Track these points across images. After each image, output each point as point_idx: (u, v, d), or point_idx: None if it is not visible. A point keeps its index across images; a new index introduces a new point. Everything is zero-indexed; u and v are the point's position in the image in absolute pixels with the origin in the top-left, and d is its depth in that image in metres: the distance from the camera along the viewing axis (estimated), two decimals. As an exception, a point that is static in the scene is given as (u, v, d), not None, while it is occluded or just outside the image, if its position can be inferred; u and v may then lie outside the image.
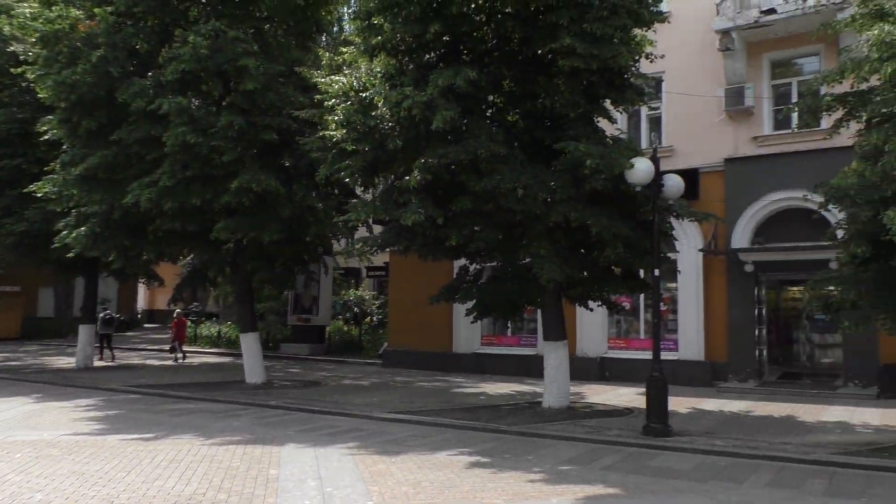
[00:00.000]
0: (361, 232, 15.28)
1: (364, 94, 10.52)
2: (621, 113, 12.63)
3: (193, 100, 13.09)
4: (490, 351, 17.94)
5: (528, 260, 10.96)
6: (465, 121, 10.38)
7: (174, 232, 13.85)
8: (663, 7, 12.22)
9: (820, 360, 17.40)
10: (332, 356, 21.99)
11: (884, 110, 8.71)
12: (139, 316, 38.35)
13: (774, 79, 15.45)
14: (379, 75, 10.92)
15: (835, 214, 11.68)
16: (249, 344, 15.27)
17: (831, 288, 9.43)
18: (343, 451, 8.40)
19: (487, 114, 11.26)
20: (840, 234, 9.88)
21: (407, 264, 16.73)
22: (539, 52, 10.61)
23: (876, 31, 8.31)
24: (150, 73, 13.20)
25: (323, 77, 12.07)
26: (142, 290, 38.55)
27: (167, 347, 22.24)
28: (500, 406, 12.21)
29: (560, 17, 9.79)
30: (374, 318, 25.86)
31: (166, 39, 13.49)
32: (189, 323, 24.63)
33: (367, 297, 26.81)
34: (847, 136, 10.07)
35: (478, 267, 12.79)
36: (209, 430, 9.79)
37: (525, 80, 10.80)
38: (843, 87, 9.66)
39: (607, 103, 11.43)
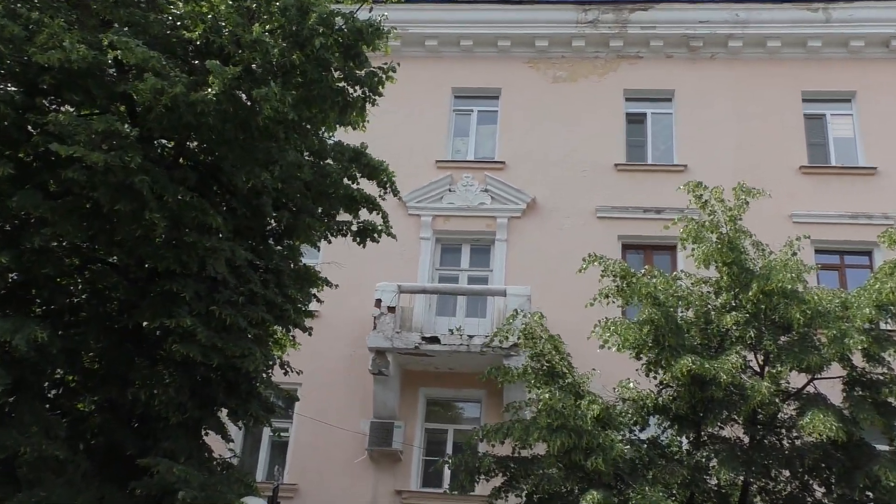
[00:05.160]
0: None
1: None
2: (240, 429, 12.76)
3: None
4: None
5: None
6: (14, 398, 9.57)
7: None
8: (313, 305, 13.29)
9: None
10: None
11: (548, 488, 10.10)
12: None
13: (429, 421, 17.17)
14: None
15: None
16: None
17: None
18: None
19: (50, 394, 10.56)
20: None
21: None
22: (145, 324, 10.52)
23: (547, 395, 9.92)
24: None
25: None
26: None
27: None
28: None
29: (185, 287, 9.94)
30: None
31: None
32: None
33: None
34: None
35: None
36: None
37: (117, 358, 10.49)
38: (506, 448, 11.09)
39: (224, 413, 11.52)
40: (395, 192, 12.12)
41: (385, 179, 11.88)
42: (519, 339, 11.23)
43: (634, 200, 18.39)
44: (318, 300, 12.97)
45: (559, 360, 11.02)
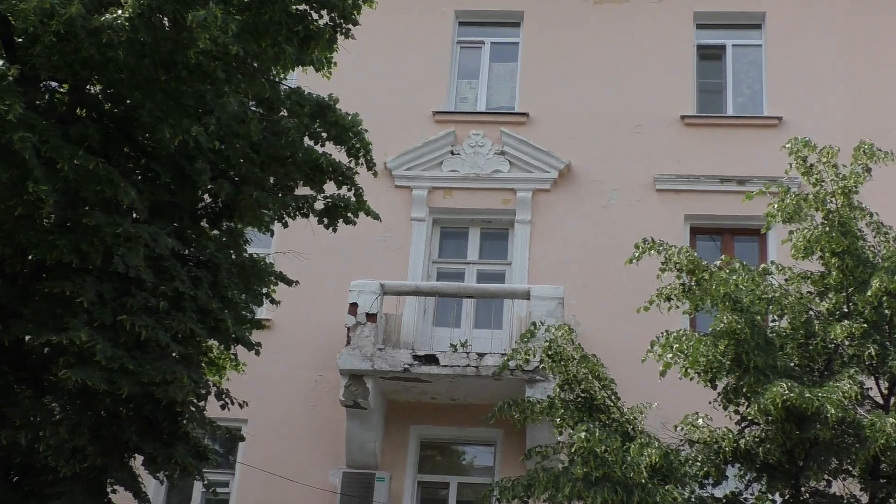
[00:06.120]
0: None
1: None
2: (161, 482, 12.81)
3: None
4: None
5: None
6: None
7: None
8: (263, 312, 13.22)
9: None
10: None
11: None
12: None
13: (424, 471, 17.21)
14: None
15: None
16: None
17: None
18: None
19: None
20: None
21: None
22: (27, 339, 10.49)
23: (584, 434, 9.91)
24: None
25: None
26: None
27: None
28: None
29: (82, 288, 9.85)
30: None
31: None
32: None
33: None
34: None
35: None
36: None
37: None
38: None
39: (137, 462, 11.52)
40: (370, 166, 12.04)
41: (356, 145, 11.79)
42: (542, 360, 11.17)
43: (708, 167, 18.39)
44: (273, 301, 12.96)
45: (599, 388, 11.00)
